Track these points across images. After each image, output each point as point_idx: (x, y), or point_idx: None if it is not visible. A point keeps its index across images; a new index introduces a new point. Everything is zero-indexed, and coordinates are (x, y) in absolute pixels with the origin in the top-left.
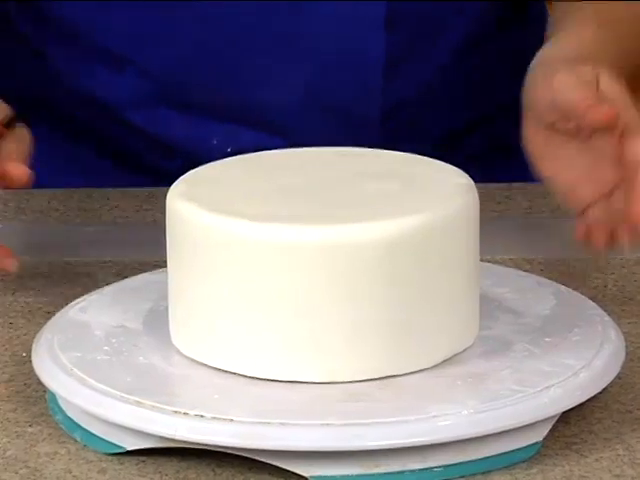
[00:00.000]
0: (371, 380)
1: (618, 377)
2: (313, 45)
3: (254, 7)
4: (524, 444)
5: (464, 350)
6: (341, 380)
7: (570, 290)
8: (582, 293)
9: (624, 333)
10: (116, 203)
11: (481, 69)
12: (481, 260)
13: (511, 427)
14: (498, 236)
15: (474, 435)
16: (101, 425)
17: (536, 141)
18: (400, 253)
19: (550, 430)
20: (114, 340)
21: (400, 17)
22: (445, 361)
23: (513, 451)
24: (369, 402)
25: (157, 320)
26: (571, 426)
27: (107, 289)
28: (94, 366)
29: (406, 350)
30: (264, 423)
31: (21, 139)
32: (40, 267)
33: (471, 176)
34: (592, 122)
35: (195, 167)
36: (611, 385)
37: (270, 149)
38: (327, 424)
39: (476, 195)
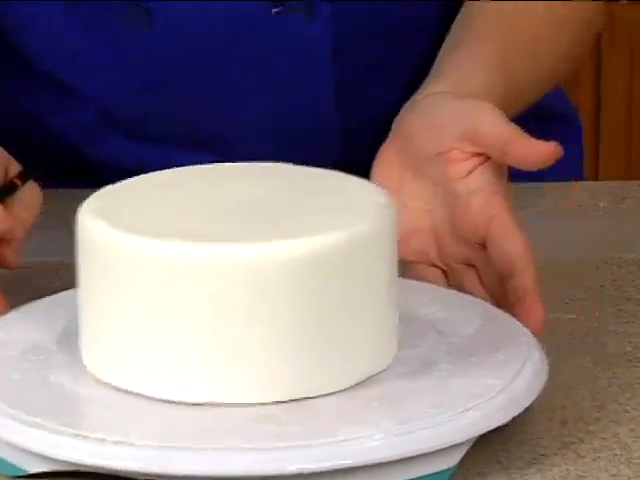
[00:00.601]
0: (283, 402)
1: (615, 377)
2: (265, 73)
3: (205, 37)
4: (439, 468)
5: (383, 370)
6: (251, 402)
7: (499, 310)
8: (578, 293)
9: (621, 333)
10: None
11: None
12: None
13: (426, 450)
14: None
15: (384, 459)
16: (6, 447)
17: (389, 170)
18: (313, 271)
19: (547, 429)
20: (28, 359)
21: (348, 46)
22: (362, 382)
23: (430, 475)
24: (278, 425)
25: (72, 338)
26: (568, 426)
27: (24, 307)
28: (5, 386)
29: (320, 371)
30: (168, 447)
31: (32, 200)
32: None
33: None
34: (521, 158)
35: None
36: (609, 385)
37: None
38: (232, 448)
39: (395, 214)
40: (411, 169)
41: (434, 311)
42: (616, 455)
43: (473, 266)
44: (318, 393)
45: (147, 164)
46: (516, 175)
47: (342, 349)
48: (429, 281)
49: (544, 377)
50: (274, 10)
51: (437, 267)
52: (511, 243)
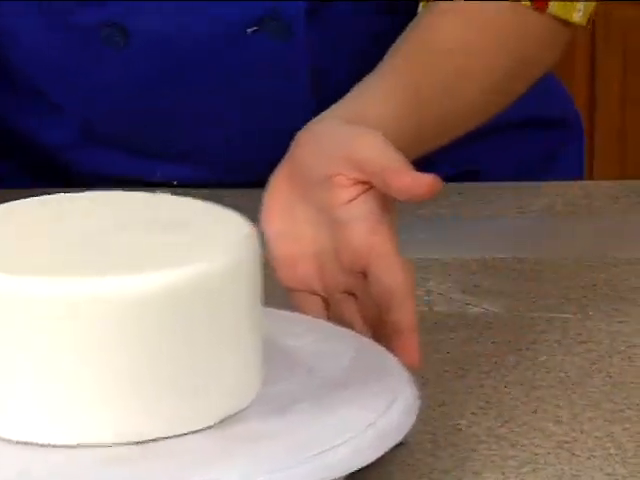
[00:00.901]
0: (136, 443)
1: (609, 376)
2: (243, 90)
3: (181, 55)
4: None
5: (244, 409)
6: (102, 443)
7: (374, 344)
8: (572, 292)
9: (615, 332)
10: None
11: None
12: (473, 260)
13: None
14: (489, 235)
15: None
16: None
17: (280, 193)
18: (159, 308)
19: (542, 429)
20: None
21: (325, 63)
22: (221, 422)
23: None
24: (131, 467)
25: None
26: (563, 425)
27: None
28: None
29: (174, 411)
30: None
31: None
32: None
33: None
34: (399, 190)
35: None
36: (603, 384)
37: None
38: None
39: (257, 247)
40: (300, 193)
41: (306, 344)
42: (611, 454)
43: (355, 296)
44: (173, 433)
45: (131, 175)
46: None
47: (197, 387)
48: (308, 311)
49: (415, 412)
50: (249, 30)
51: (319, 296)
52: (391, 275)
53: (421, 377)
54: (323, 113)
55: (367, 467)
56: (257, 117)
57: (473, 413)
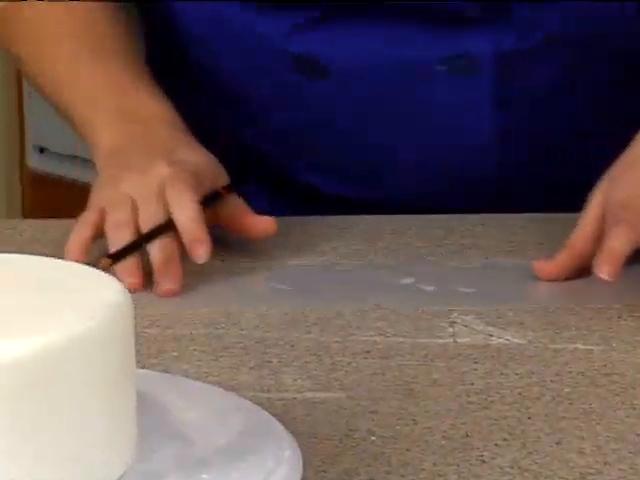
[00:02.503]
0: None
1: (633, 408)
2: (427, 122)
3: (373, 88)
4: None
5: None
6: None
7: (270, 418)
8: (596, 324)
9: (639, 364)
10: None
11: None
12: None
13: None
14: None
15: None
16: None
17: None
18: (14, 379)
19: (565, 461)
20: None
21: (510, 97)
22: None
23: None
24: None
25: None
26: (586, 456)
27: None
28: None
29: None
30: None
31: (238, 202)
32: None
33: None
34: None
35: None
36: (627, 416)
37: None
38: None
39: (129, 311)
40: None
41: (193, 416)
42: None
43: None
44: None
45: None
46: None
47: (52, 465)
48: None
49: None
50: (439, 67)
51: None
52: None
53: (445, 408)
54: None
55: None
56: (437, 149)
57: (497, 445)
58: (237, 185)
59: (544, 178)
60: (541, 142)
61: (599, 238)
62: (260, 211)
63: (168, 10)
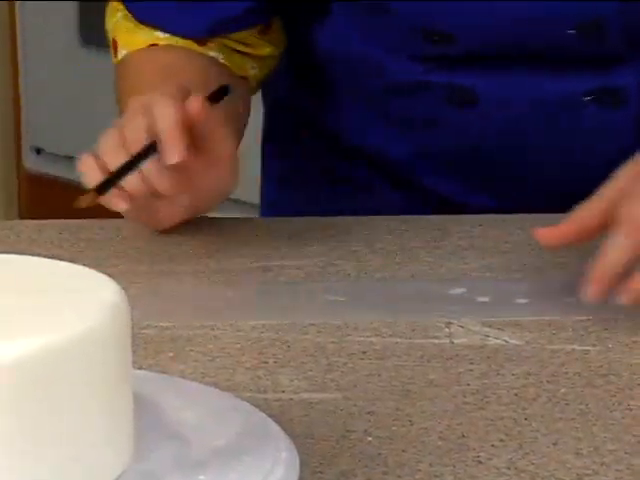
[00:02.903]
0: None
1: (629, 408)
2: (570, 150)
3: (527, 113)
4: None
5: None
6: None
7: (266, 419)
8: (593, 325)
9: (635, 365)
10: (126, 233)
11: None
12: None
13: None
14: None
15: None
16: None
17: None
18: (13, 379)
19: (561, 462)
20: None
21: None
22: None
23: None
24: None
25: None
26: (583, 457)
27: None
28: None
29: None
30: None
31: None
32: None
33: None
34: None
35: None
36: (623, 417)
37: None
38: None
39: (126, 312)
40: None
41: (189, 415)
42: None
43: None
44: None
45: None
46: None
47: (51, 464)
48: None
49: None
50: (586, 98)
51: None
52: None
53: (441, 409)
54: None
55: None
56: (580, 176)
57: (493, 445)
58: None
59: None
60: None
61: (604, 224)
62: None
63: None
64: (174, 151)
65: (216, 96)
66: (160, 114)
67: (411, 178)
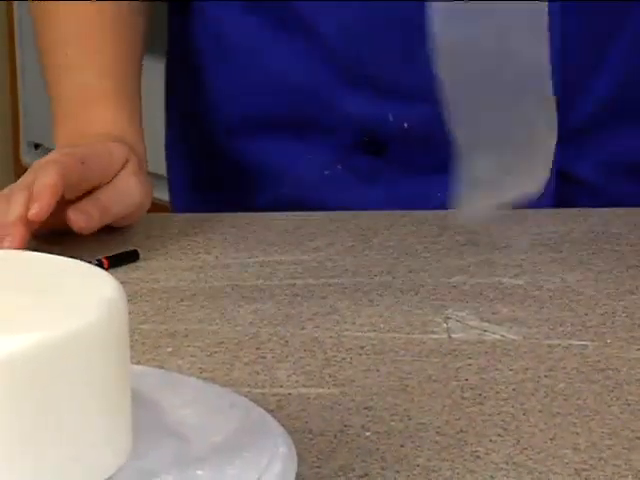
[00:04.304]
0: None
1: (627, 404)
2: None
3: None
4: None
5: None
6: None
7: (265, 414)
8: (591, 320)
9: (633, 360)
10: (123, 229)
11: None
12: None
13: None
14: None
15: None
16: None
17: None
18: (10, 375)
19: (559, 457)
20: None
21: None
22: None
23: None
24: None
25: None
26: (581, 452)
27: None
28: None
29: None
30: None
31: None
32: None
33: None
34: None
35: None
36: (621, 412)
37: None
38: None
39: (124, 307)
40: None
41: (187, 413)
42: None
43: None
44: None
45: (361, 112)
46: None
47: (49, 462)
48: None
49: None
50: None
51: None
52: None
53: (439, 404)
54: None
55: None
56: None
57: (491, 440)
58: None
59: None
60: None
61: None
62: None
63: None
64: (33, 211)
65: (124, 258)
66: (39, 179)
67: None
